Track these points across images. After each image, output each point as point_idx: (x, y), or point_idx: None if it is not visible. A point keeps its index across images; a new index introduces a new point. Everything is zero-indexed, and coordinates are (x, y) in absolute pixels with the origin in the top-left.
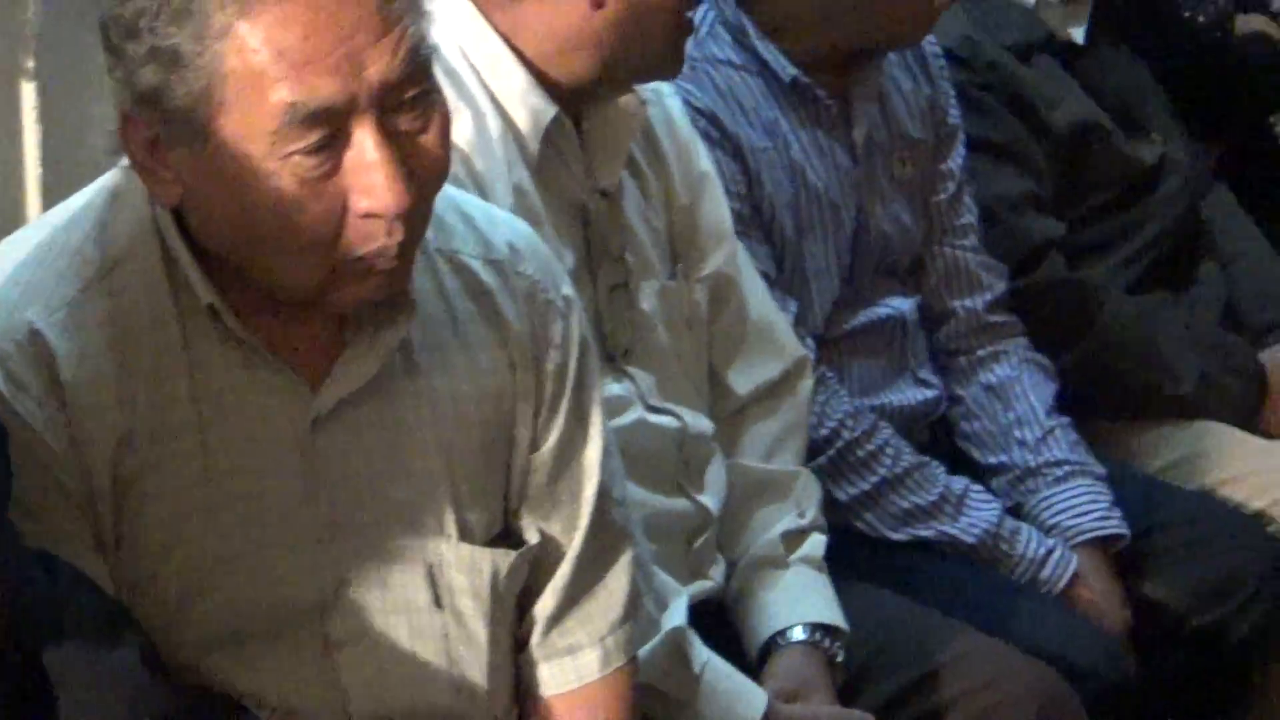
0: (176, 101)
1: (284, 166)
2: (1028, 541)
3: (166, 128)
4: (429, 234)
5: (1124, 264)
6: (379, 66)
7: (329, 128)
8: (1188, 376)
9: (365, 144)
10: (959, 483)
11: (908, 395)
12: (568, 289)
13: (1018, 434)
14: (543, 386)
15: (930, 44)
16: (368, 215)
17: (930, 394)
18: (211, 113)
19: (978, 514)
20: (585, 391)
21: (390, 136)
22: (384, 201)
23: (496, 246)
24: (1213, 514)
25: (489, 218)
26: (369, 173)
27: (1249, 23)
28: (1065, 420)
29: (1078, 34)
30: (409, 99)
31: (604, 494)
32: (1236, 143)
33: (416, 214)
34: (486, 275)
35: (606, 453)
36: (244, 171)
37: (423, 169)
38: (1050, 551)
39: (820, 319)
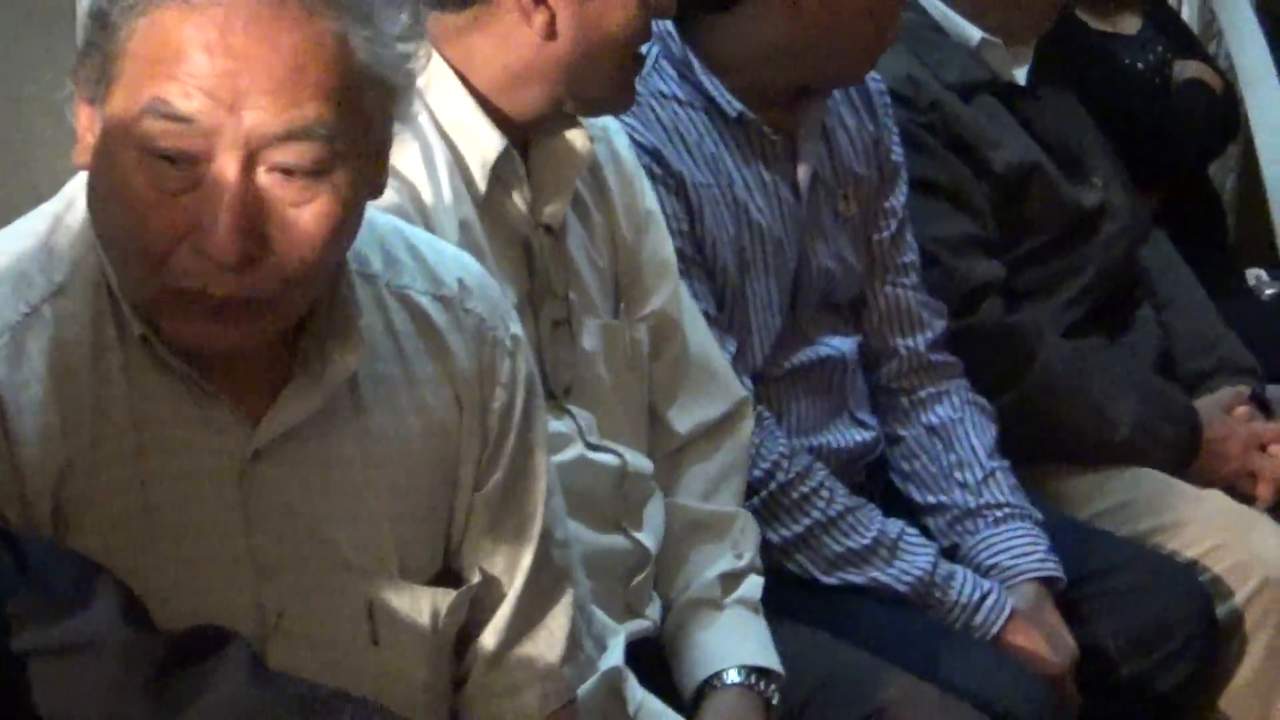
0: (96, 62)
1: (142, 163)
2: (962, 587)
3: (90, 86)
4: (378, 268)
5: (1062, 308)
6: (259, 117)
7: (190, 144)
8: (1123, 423)
9: (220, 180)
10: (894, 526)
11: (846, 436)
12: (515, 327)
13: (959, 475)
14: (488, 426)
15: (875, 81)
16: (198, 252)
17: (868, 436)
18: (111, 84)
19: (911, 559)
20: (531, 431)
21: (253, 190)
22: (211, 246)
23: (446, 283)
24: (1146, 562)
25: (438, 253)
26: (210, 210)
27: (1186, 70)
28: (1005, 463)
29: (1020, 75)
30: (288, 168)
31: (546, 534)
32: (1175, 189)
33: (266, 281)
34: (435, 312)
35: (550, 493)
36: (111, 153)
37: (284, 245)
38: (985, 596)
39: (760, 357)
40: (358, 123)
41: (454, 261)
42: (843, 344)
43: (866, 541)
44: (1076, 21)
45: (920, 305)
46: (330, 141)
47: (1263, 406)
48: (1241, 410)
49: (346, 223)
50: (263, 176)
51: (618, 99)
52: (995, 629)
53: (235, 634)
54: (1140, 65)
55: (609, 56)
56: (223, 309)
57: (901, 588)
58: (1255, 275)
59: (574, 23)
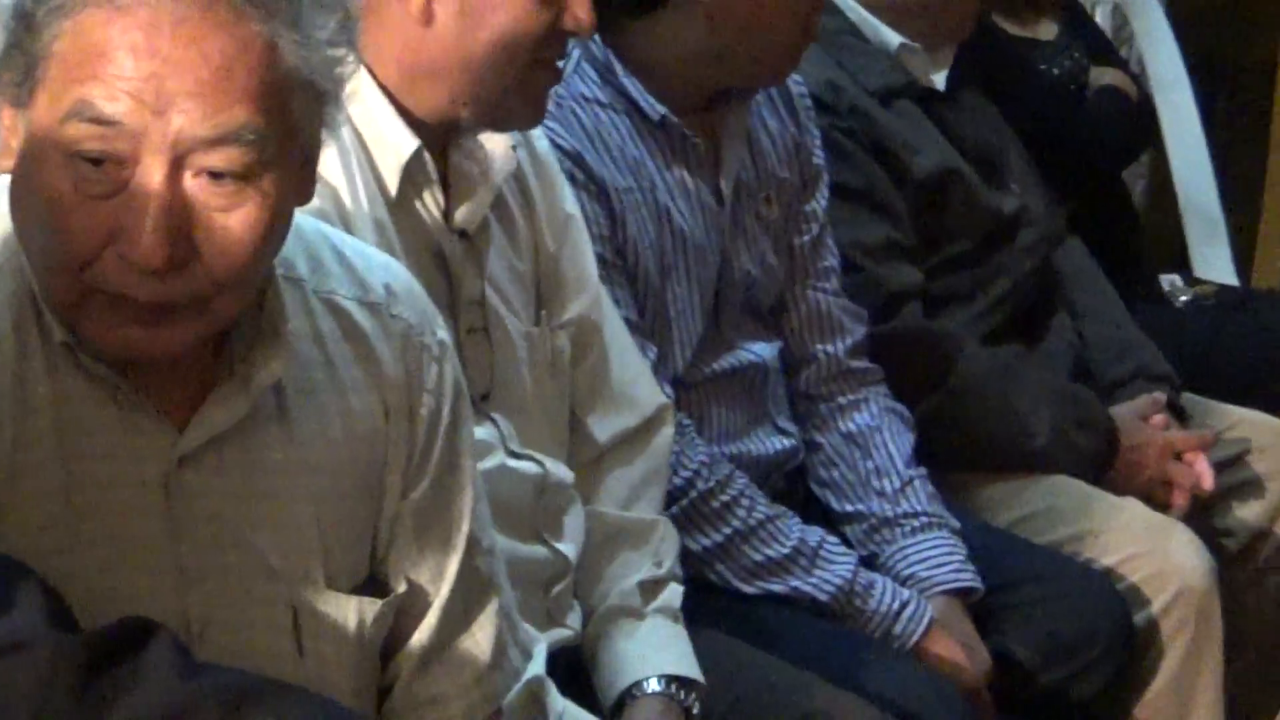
0: (19, 64)
1: (66, 167)
2: (882, 596)
3: (13, 88)
4: (304, 274)
5: (980, 315)
6: (186, 120)
7: (115, 148)
8: (1041, 431)
9: (144, 184)
10: (814, 535)
11: (766, 444)
12: (442, 332)
13: (876, 483)
14: (415, 433)
15: (797, 84)
16: (122, 257)
17: (789, 443)
18: (35, 87)
19: (832, 569)
20: (458, 438)
21: (179, 195)
22: (136, 251)
23: (373, 288)
24: (1063, 570)
25: (364, 258)
26: (136, 215)
27: (1102, 76)
28: (923, 471)
29: (939, 80)
30: (216, 172)
31: (473, 542)
32: (1090, 196)
33: (192, 287)
34: (362, 318)
35: (476, 500)
36: (34, 156)
37: (211, 251)
38: (904, 606)
39: (681, 364)
40: (286, 127)
41: (381, 267)
42: (764, 350)
43: (787, 550)
44: (994, 27)
45: (840, 311)
46: (258, 146)
47: (1178, 414)
48: (1158, 419)
49: (274, 228)
50: (189, 181)
51: (522, 114)
52: (914, 639)
53: (161, 626)
54: (1057, 71)
55: (503, 59)
56: (148, 314)
57: (822, 596)
58: (1170, 281)
59: (454, 10)
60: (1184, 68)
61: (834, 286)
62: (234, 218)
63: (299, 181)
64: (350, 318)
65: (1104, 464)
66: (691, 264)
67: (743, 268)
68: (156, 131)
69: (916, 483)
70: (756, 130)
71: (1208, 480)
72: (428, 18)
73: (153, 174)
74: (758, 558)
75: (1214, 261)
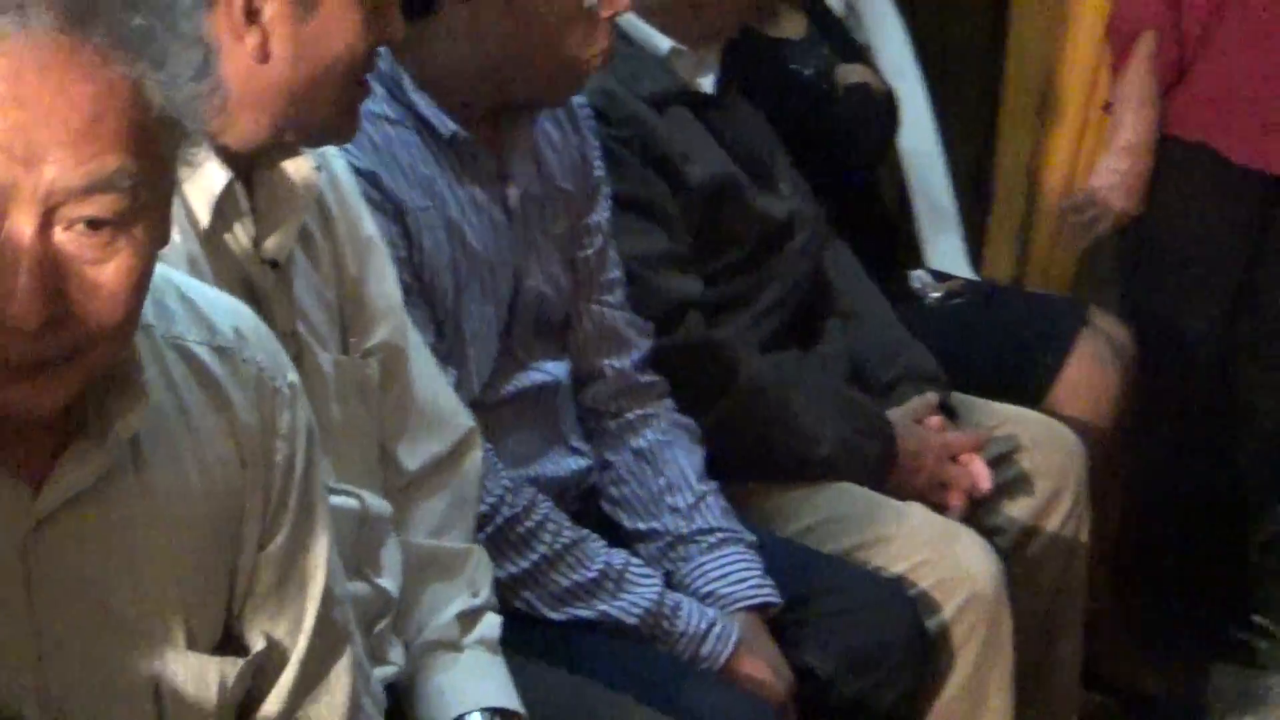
0: None
1: None
2: (689, 617)
3: None
4: (151, 319)
5: (757, 321)
6: (58, 169)
7: None
8: (825, 438)
9: (16, 241)
10: (619, 558)
11: (562, 465)
12: (293, 375)
13: (669, 500)
14: (271, 481)
15: (577, 95)
16: None
17: (583, 463)
18: None
19: (639, 591)
20: (311, 485)
21: (51, 250)
22: (9, 311)
23: (222, 332)
24: (854, 580)
25: (210, 301)
26: (7, 273)
27: (851, 74)
28: (715, 486)
29: (708, 84)
30: (92, 221)
31: (328, 593)
32: (845, 195)
33: (68, 342)
34: (213, 363)
35: (330, 548)
36: None
37: (86, 305)
38: (712, 625)
39: (478, 385)
40: (157, 169)
41: (227, 309)
42: (556, 368)
43: (593, 574)
44: (750, 28)
45: (626, 324)
46: (132, 191)
47: (949, 414)
48: (933, 420)
49: (146, 275)
50: (60, 234)
51: (340, 129)
52: (723, 658)
53: None
54: (808, 71)
55: (330, 83)
56: (23, 373)
57: (630, 620)
58: (919, 278)
59: (290, 45)
60: (913, 56)
61: (619, 300)
62: (108, 269)
63: (162, 224)
64: (201, 363)
65: (885, 469)
66: (486, 283)
67: (534, 285)
68: (26, 184)
69: (709, 498)
70: (541, 144)
71: (984, 481)
72: (264, 54)
73: (23, 229)
74: (565, 583)
75: (947, 253)
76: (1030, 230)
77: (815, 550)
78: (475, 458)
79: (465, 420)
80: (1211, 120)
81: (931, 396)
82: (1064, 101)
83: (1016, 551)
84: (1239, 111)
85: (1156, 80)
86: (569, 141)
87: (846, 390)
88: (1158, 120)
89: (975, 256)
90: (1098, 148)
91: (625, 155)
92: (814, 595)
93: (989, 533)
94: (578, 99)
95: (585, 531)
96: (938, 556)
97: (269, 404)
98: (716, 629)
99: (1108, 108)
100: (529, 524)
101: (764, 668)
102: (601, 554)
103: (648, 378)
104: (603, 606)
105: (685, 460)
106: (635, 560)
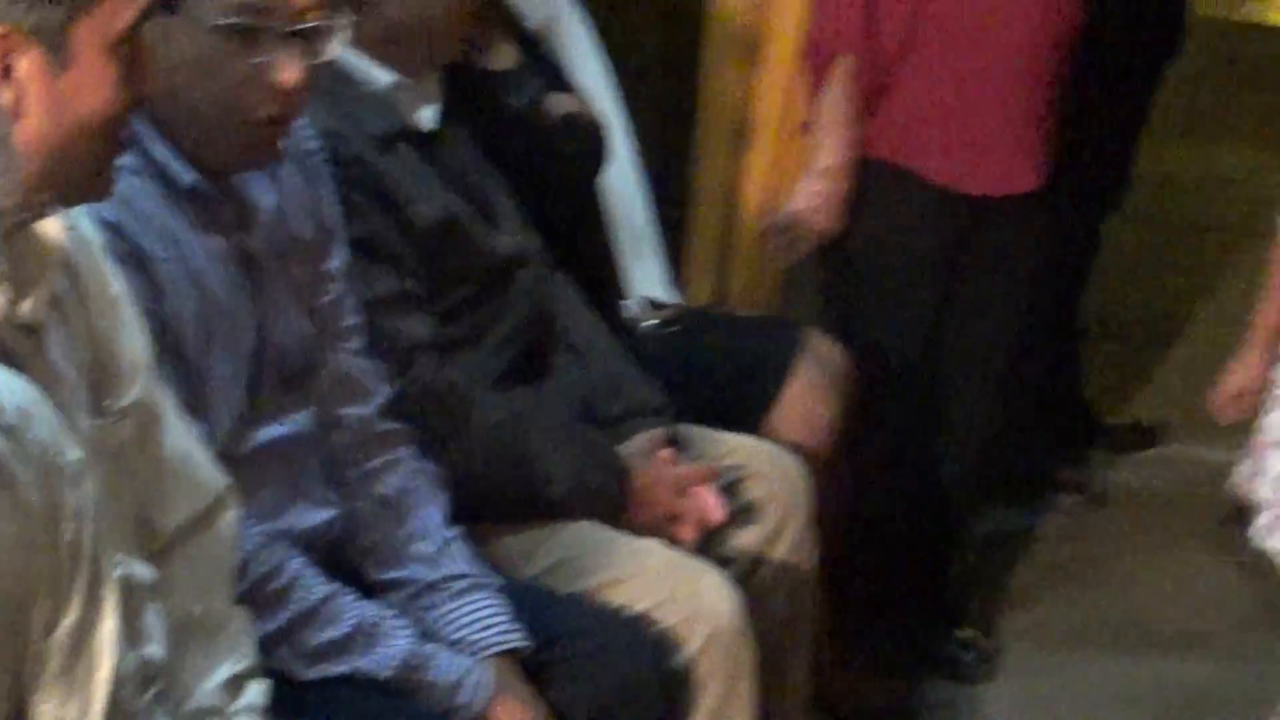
0: None
1: None
2: (442, 667)
3: None
4: None
5: (487, 359)
6: None
7: None
8: (559, 477)
9: None
10: (372, 611)
11: (309, 517)
12: (76, 452)
13: (414, 548)
14: (59, 562)
15: (311, 139)
16: None
17: (331, 514)
18: None
19: (391, 644)
20: (98, 564)
21: None
22: None
23: (7, 410)
24: (598, 621)
25: None
26: None
27: (561, 104)
28: (460, 531)
29: (430, 117)
30: None
31: (117, 673)
32: (562, 227)
33: None
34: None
35: (118, 626)
36: None
37: None
38: (466, 674)
39: (223, 440)
40: None
41: (10, 388)
42: (302, 419)
43: (346, 629)
44: (464, 61)
45: (365, 372)
46: None
47: (677, 446)
48: (664, 454)
49: None
50: None
51: (95, 187)
52: (480, 706)
53: None
54: (522, 102)
55: (86, 140)
56: None
57: (385, 674)
58: (633, 306)
59: (44, 102)
60: (608, 80)
61: (358, 347)
62: None
63: None
64: None
65: (620, 506)
66: (228, 334)
67: (277, 336)
68: None
69: (454, 544)
70: (279, 191)
71: (717, 512)
72: (18, 112)
73: None
74: (317, 640)
75: (649, 278)
76: (730, 253)
77: (556, 591)
78: (231, 516)
79: (220, 479)
80: (910, 142)
81: (660, 430)
82: (760, 123)
83: (747, 581)
84: (936, 133)
85: (854, 103)
86: (305, 188)
87: (579, 427)
88: (856, 142)
89: (677, 281)
90: (796, 169)
91: (355, 197)
92: (559, 638)
93: (720, 563)
94: (313, 144)
95: (336, 586)
96: (679, 593)
97: (54, 483)
98: (471, 678)
99: (805, 129)
100: (281, 582)
101: (521, 712)
102: (353, 609)
103: (389, 425)
104: (356, 662)
105: (429, 506)
106: (389, 613)
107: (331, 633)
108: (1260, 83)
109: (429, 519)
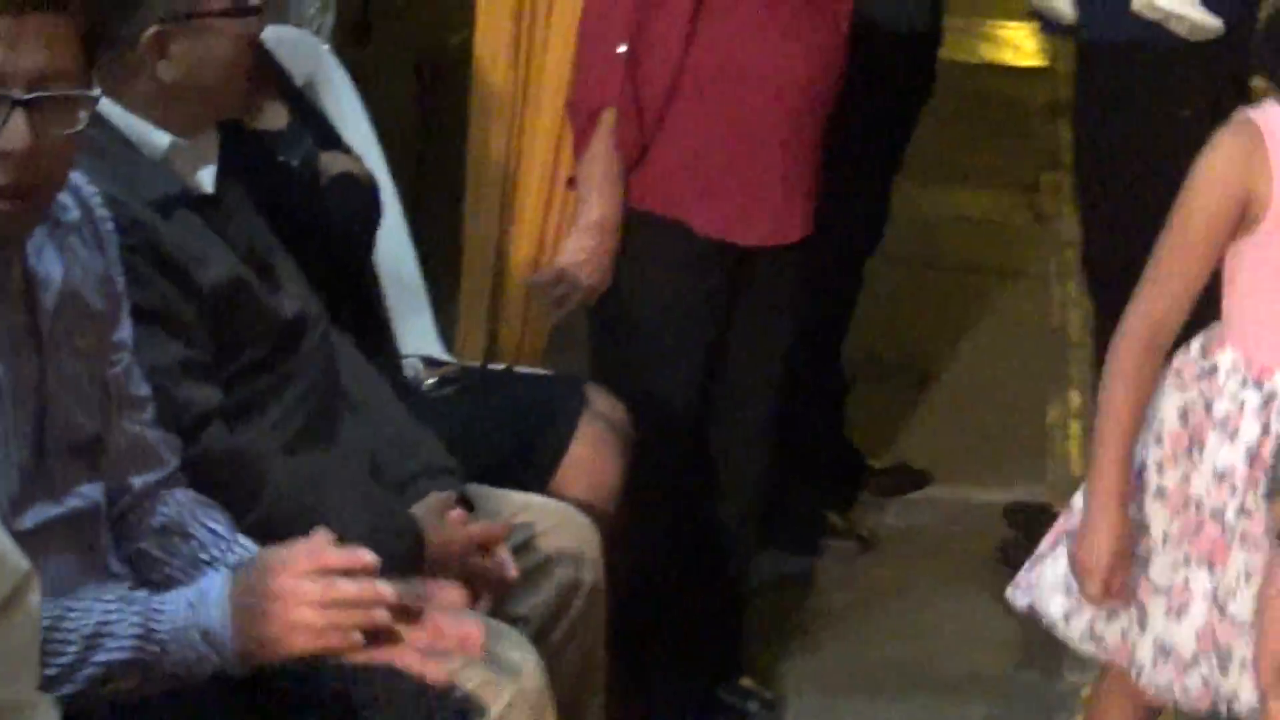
0: None
1: None
2: (172, 600)
3: None
4: None
5: (277, 424)
6: None
7: None
8: (355, 540)
9: None
10: (95, 615)
11: (100, 592)
12: None
13: (205, 555)
14: None
15: (101, 208)
16: None
17: (122, 589)
18: None
19: (122, 625)
20: None
21: None
22: None
23: None
24: (398, 690)
25: None
26: None
27: (335, 163)
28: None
29: (208, 180)
30: None
31: None
32: (343, 289)
33: None
34: None
35: None
36: None
37: None
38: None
39: (5, 517)
40: None
41: None
42: (92, 491)
43: (76, 647)
44: (236, 122)
45: (155, 441)
46: None
47: (468, 506)
48: (455, 514)
49: None
50: None
51: None
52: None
53: None
54: (295, 162)
55: None
56: None
57: (125, 655)
58: (412, 365)
59: None
60: (373, 134)
61: (149, 417)
62: None
63: None
64: None
65: (414, 569)
66: (7, 409)
67: (65, 408)
68: None
69: (243, 540)
70: (70, 262)
71: (511, 570)
72: None
73: None
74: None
75: (419, 334)
76: (500, 309)
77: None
78: (34, 600)
79: (21, 563)
80: (676, 195)
81: (450, 491)
82: (527, 178)
83: (540, 640)
84: (702, 186)
85: (619, 156)
86: (95, 258)
87: (372, 490)
88: (622, 196)
89: (447, 337)
90: (563, 224)
91: (137, 263)
92: (363, 708)
93: (513, 623)
94: (102, 213)
95: (60, 609)
96: (480, 657)
97: None
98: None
99: (571, 183)
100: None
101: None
102: (77, 622)
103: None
104: (99, 658)
105: (210, 521)
106: (110, 605)
107: (68, 658)
108: (1002, 125)
109: (213, 529)
